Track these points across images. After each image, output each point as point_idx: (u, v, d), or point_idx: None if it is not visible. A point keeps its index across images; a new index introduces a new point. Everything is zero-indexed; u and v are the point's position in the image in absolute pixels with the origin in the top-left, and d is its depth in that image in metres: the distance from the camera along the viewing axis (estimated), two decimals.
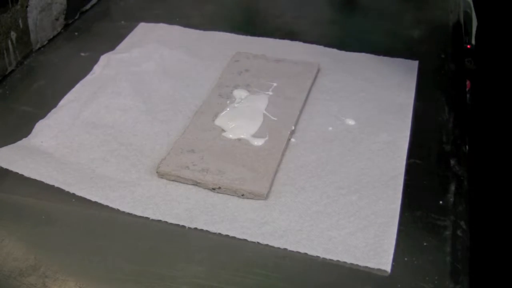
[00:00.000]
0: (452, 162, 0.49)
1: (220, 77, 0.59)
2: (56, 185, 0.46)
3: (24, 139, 0.51)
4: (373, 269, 0.40)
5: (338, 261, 0.40)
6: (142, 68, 0.61)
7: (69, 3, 0.69)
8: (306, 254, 0.41)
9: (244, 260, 0.41)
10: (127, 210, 0.44)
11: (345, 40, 0.66)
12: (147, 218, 0.44)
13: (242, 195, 0.45)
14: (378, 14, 0.73)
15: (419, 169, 0.49)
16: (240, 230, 0.43)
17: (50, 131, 0.52)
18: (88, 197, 0.45)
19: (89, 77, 0.59)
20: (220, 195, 0.46)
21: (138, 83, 0.59)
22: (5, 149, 0.49)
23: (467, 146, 0.51)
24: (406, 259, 0.41)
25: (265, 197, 0.45)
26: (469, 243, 0.42)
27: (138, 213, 0.44)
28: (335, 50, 0.64)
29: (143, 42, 0.65)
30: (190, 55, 0.63)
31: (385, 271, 0.40)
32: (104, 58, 0.62)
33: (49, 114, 0.54)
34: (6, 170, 0.47)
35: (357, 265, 0.40)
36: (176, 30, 0.68)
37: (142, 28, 0.69)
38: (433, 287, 0.39)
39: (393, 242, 0.41)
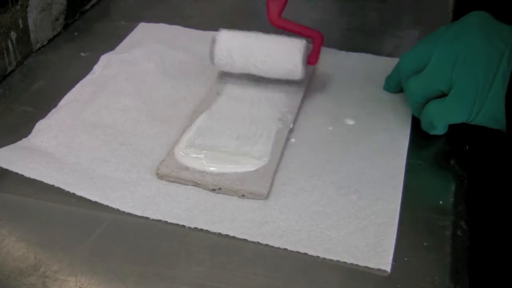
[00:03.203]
0: (452, 162, 0.49)
1: (218, 76, 0.59)
2: (56, 185, 0.46)
3: (24, 139, 0.51)
4: (373, 269, 0.40)
5: (338, 261, 0.40)
6: (142, 68, 0.61)
7: (69, 3, 0.69)
8: (306, 254, 0.41)
9: (244, 260, 0.41)
10: (127, 210, 0.44)
11: (345, 40, 0.66)
12: (147, 218, 0.44)
13: (243, 195, 0.45)
14: (378, 14, 0.73)
15: (419, 169, 0.49)
16: (240, 230, 0.43)
17: (50, 131, 0.52)
18: (88, 197, 0.45)
19: (89, 77, 0.60)
20: (220, 195, 0.46)
21: (138, 83, 0.59)
22: (5, 149, 0.49)
23: (467, 146, 0.51)
24: (406, 259, 0.41)
25: (266, 197, 0.45)
26: (469, 243, 0.42)
27: (138, 213, 0.44)
28: (335, 50, 0.64)
29: (143, 42, 0.65)
30: (190, 55, 0.63)
31: (385, 271, 0.40)
32: (104, 58, 0.62)
33: (49, 114, 0.54)
34: (6, 170, 0.47)
35: (357, 265, 0.40)
36: (176, 30, 0.68)
37: (142, 28, 0.69)
38: (433, 287, 0.39)
39: (393, 242, 0.41)
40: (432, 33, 0.51)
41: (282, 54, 0.53)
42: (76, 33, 0.69)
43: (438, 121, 0.49)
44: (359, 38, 0.67)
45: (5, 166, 0.47)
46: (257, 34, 0.55)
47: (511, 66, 0.45)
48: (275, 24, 0.56)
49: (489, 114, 0.46)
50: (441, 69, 0.48)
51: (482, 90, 0.46)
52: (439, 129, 0.50)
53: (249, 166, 0.47)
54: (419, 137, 0.52)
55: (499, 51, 0.45)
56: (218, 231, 0.42)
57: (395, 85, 0.56)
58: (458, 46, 0.47)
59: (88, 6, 0.74)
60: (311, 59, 0.55)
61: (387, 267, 0.40)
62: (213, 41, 0.54)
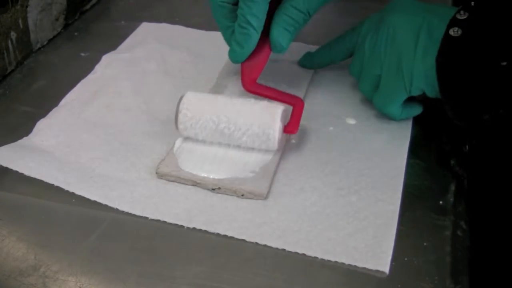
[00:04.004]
0: (452, 162, 0.49)
1: (217, 77, 0.59)
2: (56, 183, 0.46)
3: (24, 138, 0.51)
4: (371, 270, 0.40)
5: (337, 261, 0.40)
6: (143, 68, 0.61)
7: (69, 3, 0.69)
8: (304, 254, 0.41)
9: (244, 260, 0.41)
10: (126, 209, 0.44)
11: None
12: (148, 218, 0.44)
13: (242, 195, 0.45)
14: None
15: (419, 169, 0.49)
16: (238, 230, 0.42)
17: (50, 130, 0.52)
18: (87, 196, 0.45)
19: (90, 76, 0.60)
20: (219, 195, 0.46)
21: (140, 83, 0.59)
22: (5, 147, 0.49)
23: (467, 146, 0.51)
24: (406, 259, 0.41)
25: (265, 197, 0.45)
26: (469, 243, 0.42)
27: (137, 212, 0.44)
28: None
29: (145, 42, 0.65)
30: (191, 55, 0.63)
31: (383, 272, 0.40)
32: (106, 58, 0.62)
33: (50, 113, 0.54)
34: (6, 168, 0.47)
35: (355, 266, 0.40)
36: (178, 30, 0.68)
37: (144, 28, 0.69)
38: (433, 287, 0.39)
39: (392, 243, 0.41)
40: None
41: (256, 122, 0.47)
42: (76, 33, 0.69)
43: (384, 106, 0.51)
44: None
45: (5, 165, 0.47)
46: (230, 98, 0.49)
47: (432, 33, 0.47)
48: (250, 90, 0.51)
49: (422, 82, 0.48)
50: (373, 57, 0.51)
51: (407, 62, 0.48)
52: (396, 113, 0.51)
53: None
54: (419, 137, 0.52)
55: (417, 25, 0.48)
56: (216, 231, 0.42)
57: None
58: (381, 31, 0.50)
59: (88, 6, 0.74)
60: (289, 127, 0.48)
61: (385, 269, 0.40)
62: (179, 102, 0.49)
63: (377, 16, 0.53)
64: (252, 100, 0.48)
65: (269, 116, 0.47)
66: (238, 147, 0.48)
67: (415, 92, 0.49)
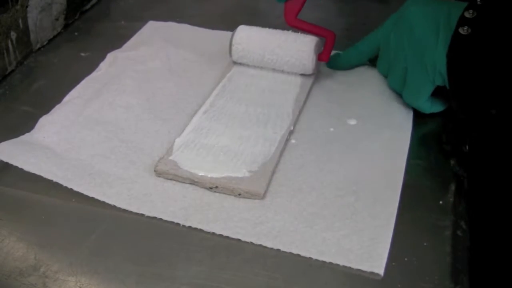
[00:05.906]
0: (452, 162, 0.49)
1: (220, 76, 0.59)
2: (55, 179, 0.46)
3: (27, 134, 0.51)
4: (365, 272, 0.40)
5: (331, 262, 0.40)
6: (147, 66, 0.61)
7: (69, 3, 0.69)
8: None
9: (244, 260, 0.41)
10: (123, 206, 0.44)
11: (346, 40, 0.66)
12: (148, 218, 0.44)
13: (239, 194, 0.45)
14: (378, 14, 0.73)
15: (419, 169, 0.49)
16: (234, 229, 0.42)
17: (53, 126, 0.52)
18: (85, 192, 0.45)
19: (94, 74, 0.60)
20: (216, 194, 0.46)
21: (143, 81, 0.59)
22: (7, 143, 0.49)
23: (467, 146, 0.51)
24: (406, 259, 0.41)
25: (262, 196, 0.45)
26: (469, 243, 0.42)
27: (133, 209, 0.44)
28: (335, 51, 0.64)
29: (150, 40, 0.65)
30: (196, 54, 0.63)
31: (378, 274, 0.39)
32: (110, 56, 0.62)
33: (53, 110, 0.54)
34: (7, 164, 0.47)
35: (350, 267, 0.40)
36: (184, 29, 0.68)
37: (151, 26, 0.69)
38: (433, 287, 0.39)
39: (388, 245, 0.41)
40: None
41: (296, 48, 0.56)
42: (76, 33, 0.69)
43: (413, 100, 0.53)
44: (360, 38, 0.67)
45: (5, 160, 0.47)
46: (274, 30, 0.58)
47: (450, 29, 0.48)
48: (291, 24, 0.58)
49: (444, 74, 0.49)
50: (398, 51, 0.53)
51: (430, 53, 0.49)
52: (425, 107, 0.53)
53: (243, 172, 0.47)
54: (420, 137, 0.52)
55: (435, 15, 0.50)
56: (211, 230, 0.42)
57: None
58: (402, 25, 0.52)
59: (88, 6, 0.74)
60: (322, 56, 0.58)
61: (380, 271, 0.39)
62: (233, 32, 0.59)
63: (397, 13, 0.55)
64: (292, 34, 0.58)
65: (305, 47, 0.56)
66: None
67: (438, 81, 0.50)
